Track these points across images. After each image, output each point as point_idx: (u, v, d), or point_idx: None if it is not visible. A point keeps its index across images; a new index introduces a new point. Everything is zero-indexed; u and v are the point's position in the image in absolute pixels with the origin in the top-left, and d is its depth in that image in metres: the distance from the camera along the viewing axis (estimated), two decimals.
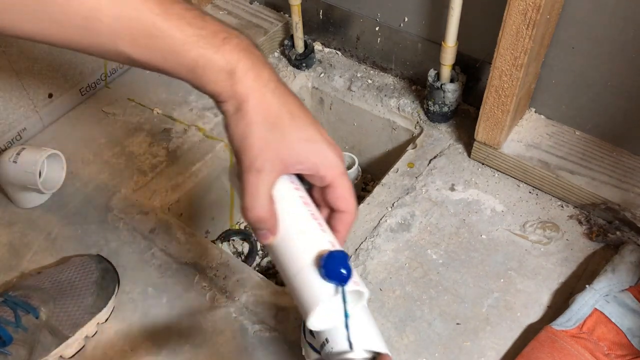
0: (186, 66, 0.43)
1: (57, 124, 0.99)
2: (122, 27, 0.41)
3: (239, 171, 0.46)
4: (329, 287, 0.43)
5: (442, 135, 0.93)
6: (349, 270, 0.43)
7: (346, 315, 0.45)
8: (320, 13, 1.04)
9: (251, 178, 0.45)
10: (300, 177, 0.50)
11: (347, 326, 0.45)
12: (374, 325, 0.52)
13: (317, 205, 0.50)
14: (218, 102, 0.45)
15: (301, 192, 0.49)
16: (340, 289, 0.43)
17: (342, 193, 0.48)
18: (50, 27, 0.42)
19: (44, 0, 0.40)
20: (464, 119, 0.94)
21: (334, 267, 0.43)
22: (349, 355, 0.47)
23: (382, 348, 0.50)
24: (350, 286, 0.44)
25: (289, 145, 0.45)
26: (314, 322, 0.45)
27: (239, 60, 0.43)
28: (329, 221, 0.50)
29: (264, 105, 0.44)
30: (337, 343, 0.49)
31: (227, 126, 0.45)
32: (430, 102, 0.92)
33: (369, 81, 1.02)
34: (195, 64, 0.43)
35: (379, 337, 0.52)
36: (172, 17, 0.42)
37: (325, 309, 0.45)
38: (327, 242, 0.46)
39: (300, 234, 0.46)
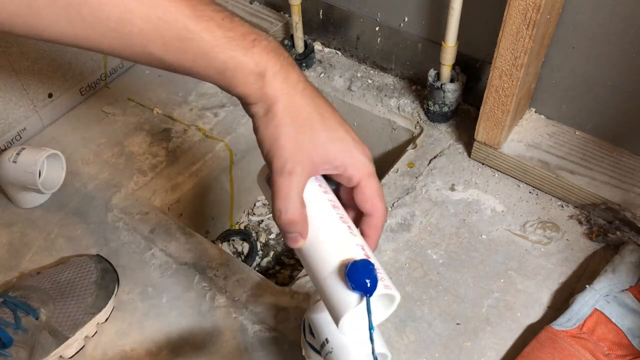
0: (215, 69, 0.43)
1: (57, 124, 0.99)
2: (153, 30, 0.41)
3: (268, 174, 0.46)
4: (356, 295, 0.42)
5: (442, 135, 0.93)
6: (374, 280, 0.42)
7: (371, 328, 0.44)
8: (320, 13, 1.04)
9: (282, 181, 0.44)
10: (327, 178, 0.50)
11: (372, 339, 0.45)
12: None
13: (345, 206, 0.50)
14: (246, 105, 0.46)
15: (330, 196, 0.48)
16: (365, 298, 0.42)
17: (370, 195, 0.48)
18: (82, 31, 0.41)
19: (77, 4, 0.40)
20: (464, 119, 0.94)
21: (357, 277, 0.42)
22: None
23: (387, 351, 0.50)
24: (380, 290, 0.43)
25: (318, 146, 0.45)
26: (345, 329, 0.45)
27: (267, 62, 0.44)
28: (358, 224, 0.49)
29: (293, 107, 0.45)
30: (356, 356, 0.49)
31: (256, 129, 0.45)
32: (430, 102, 0.92)
33: (369, 81, 1.02)
34: (225, 67, 0.43)
35: (383, 340, 0.51)
36: (203, 19, 0.42)
37: (354, 315, 0.44)
38: (356, 245, 0.45)
39: (329, 237, 0.46)
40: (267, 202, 0.51)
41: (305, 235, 0.46)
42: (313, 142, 0.45)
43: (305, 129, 0.45)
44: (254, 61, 0.43)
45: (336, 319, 0.43)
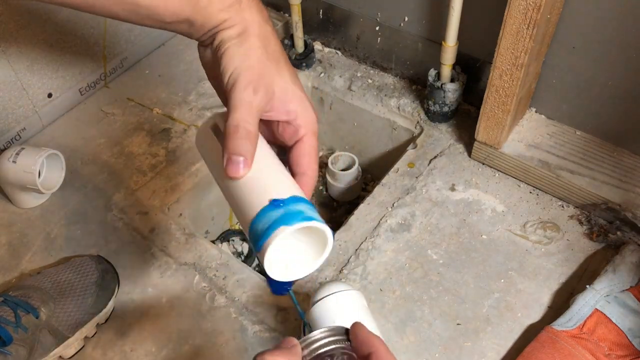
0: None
1: (57, 124, 0.99)
2: None
3: (229, 91, 0.44)
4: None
5: (442, 135, 0.93)
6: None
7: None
8: (320, 12, 1.04)
9: (248, 96, 0.43)
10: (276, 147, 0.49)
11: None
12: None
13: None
14: (218, 32, 0.45)
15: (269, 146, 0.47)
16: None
17: (310, 150, 0.47)
18: None
19: None
20: (464, 118, 0.94)
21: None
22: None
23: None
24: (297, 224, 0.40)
25: (281, 81, 0.45)
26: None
27: None
28: None
29: (265, 37, 0.45)
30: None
31: (225, 49, 0.44)
32: (430, 102, 0.92)
33: (369, 81, 1.02)
34: None
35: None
36: None
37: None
38: (294, 184, 0.44)
39: (275, 173, 0.44)
40: (206, 161, 0.49)
41: (249, 165, 0.43)
42: (278, 74, 0.45)
43: (273, 60, 0.45)
44: None
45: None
